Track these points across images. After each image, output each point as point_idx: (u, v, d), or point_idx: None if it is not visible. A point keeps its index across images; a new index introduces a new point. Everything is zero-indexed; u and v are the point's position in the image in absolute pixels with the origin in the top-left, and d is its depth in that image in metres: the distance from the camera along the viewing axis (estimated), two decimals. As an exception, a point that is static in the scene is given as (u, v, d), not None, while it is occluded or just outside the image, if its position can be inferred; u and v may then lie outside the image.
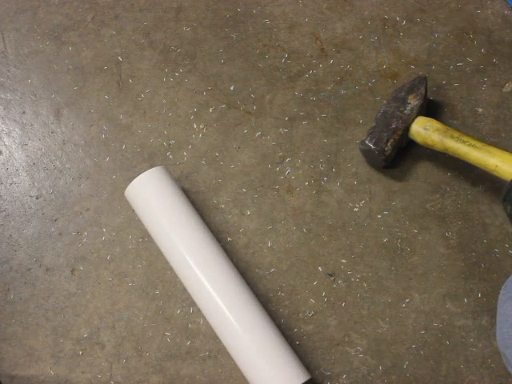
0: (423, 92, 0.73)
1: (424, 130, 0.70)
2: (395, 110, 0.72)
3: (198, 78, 0.81)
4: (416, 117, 0.72)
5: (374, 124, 0.73)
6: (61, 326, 0.68)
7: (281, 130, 0.77)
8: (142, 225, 0.72)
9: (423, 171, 0.74)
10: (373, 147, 0.71)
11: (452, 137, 0.69)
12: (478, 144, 0.67)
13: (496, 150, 0.66)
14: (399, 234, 0.71)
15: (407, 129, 0.72)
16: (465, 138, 0.68)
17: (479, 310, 0.67)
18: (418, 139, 0.72)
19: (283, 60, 0.82)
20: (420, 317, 0.67)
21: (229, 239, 0.72)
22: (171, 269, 0.70)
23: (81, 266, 0.71)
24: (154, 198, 0.65)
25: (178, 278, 0.70)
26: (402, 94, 0.73)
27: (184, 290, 0.69)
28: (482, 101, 0.78)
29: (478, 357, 0.65)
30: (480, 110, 0.77)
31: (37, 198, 0.75)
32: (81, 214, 0.74)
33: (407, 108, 0.72)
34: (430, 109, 0.77)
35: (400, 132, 0.71)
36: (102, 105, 0.80)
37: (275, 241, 0.72)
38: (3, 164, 0.77)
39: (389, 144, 0.70)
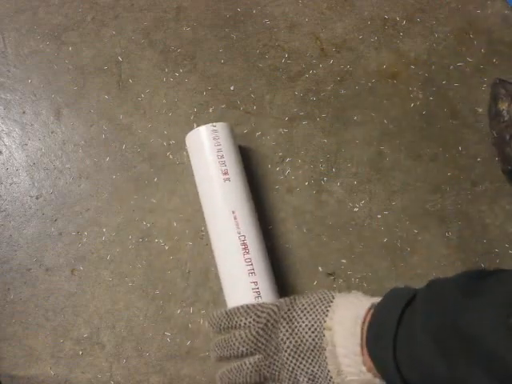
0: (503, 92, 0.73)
1: None
2: (497, 126, 0.72)
3: (198, 78, 0.81)
4: None
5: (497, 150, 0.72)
6: (61, 326, 0.68)
7: (281, 130, 0.77)
8: (142, 225, 0.72)
9: (423, 171, 0.74)
10: None
11: None
12: None
13: None
14: (399, 234, 0.71)
15: None
16: None
17: (479, 309, 0.67)
18: None
19: (283, 60, 0.82)
20: (420, 317, 0.67)
21: (229, 239, 0.72)
22: (171, 269, 0.70)
23: (81, 266, 0.71)
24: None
25: (177, 277, 0.70)
26: (492, 108, 0.73)
27: (184, 289, 0.69)
28: (481, 101, 0.78)
29: (478, 357, 0.65)
30: (480, 110, 0.77)
31: (37, 198, 0.75)
32: (81, 214, 0.74)
33: (505, 116, 0.71)
34: (430, 109, 0.77)
35: None
36: (102, 105, 0.80)
37: (275, 241, 0.72)
38: (3, 164, 0.77)
39: None
